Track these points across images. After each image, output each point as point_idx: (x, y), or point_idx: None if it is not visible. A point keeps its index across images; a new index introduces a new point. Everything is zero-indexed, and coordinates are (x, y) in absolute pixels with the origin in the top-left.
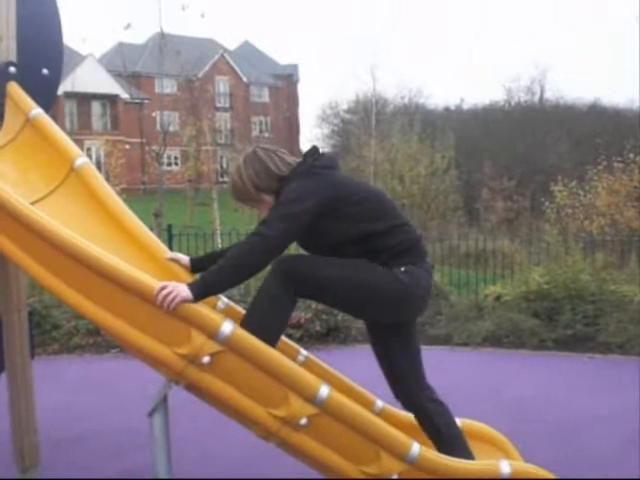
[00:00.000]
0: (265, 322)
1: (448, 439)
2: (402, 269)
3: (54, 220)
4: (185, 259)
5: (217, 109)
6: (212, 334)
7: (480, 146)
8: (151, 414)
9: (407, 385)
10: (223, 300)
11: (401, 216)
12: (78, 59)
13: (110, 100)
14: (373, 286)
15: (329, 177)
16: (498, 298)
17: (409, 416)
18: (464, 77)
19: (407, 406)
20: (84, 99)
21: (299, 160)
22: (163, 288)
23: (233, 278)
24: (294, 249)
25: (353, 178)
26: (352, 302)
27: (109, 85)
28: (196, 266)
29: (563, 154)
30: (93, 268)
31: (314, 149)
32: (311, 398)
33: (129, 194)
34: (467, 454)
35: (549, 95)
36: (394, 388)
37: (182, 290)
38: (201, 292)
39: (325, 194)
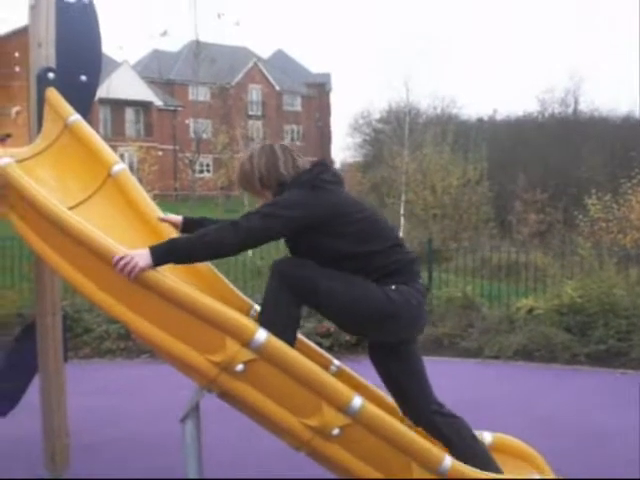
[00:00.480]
0: (274, 319)
1: (462, 450)
2: (392, 287)
3: (90, 225)
4: (177, 219)
5: (250, 117)
6: (246, 342)
7: (513, 158)
8: (183, 420)
9: (413, 403)
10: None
11: (395, 237)
12: (113, 66)
13: (144, 107)
14: (364, 301)
15: (329, 194)
16: (530, 311)
17: None
18: (497, 88)
19: (416, 422)
20: (118, 105)
21: (306, 167)
22: (121, 258)
23: (197, 255)
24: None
25: (352, 197)
26: (342, 315)
27: (143, 92)
28: (187, 227)
29: (597, 167)
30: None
31: (323, 162)
32: (344, 408)
33: (161, 200)
34: (488, 465)
35: (583, 107)
36: (401, 407)
37: (142, 258)
38: (163, 259)
39: (318, 211)
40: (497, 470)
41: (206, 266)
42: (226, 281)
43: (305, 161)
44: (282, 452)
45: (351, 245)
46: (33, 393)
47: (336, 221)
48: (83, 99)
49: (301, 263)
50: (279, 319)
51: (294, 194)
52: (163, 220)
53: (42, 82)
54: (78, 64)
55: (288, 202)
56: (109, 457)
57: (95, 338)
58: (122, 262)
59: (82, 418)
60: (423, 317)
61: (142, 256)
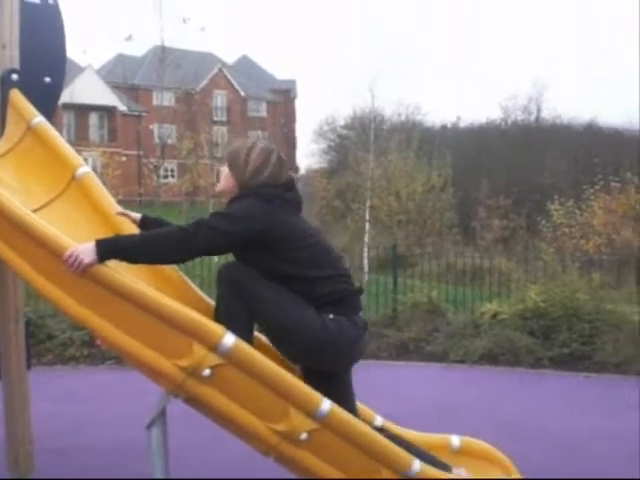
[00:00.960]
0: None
1: None
2: (330, 316)
3: (54, 228)
4: (136, 216)
5: (215, 123)
6: (213, 346)
7: (476, 164)
8: (149, 427)
9: None
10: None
11: (343, 267)
12: (77, 70)
13: (108, 112)
14: (298, 322)
15: (284, 213)
16: (495, 316)
17: (412, 433)
18: (461, 95)
19: None
20: (82, 110)
21: (274, 182)
22: (70, 255)
23: (142, 256)
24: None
25: (306, 222)
26: (275, 331)
27: (107, 97)
28: (145, 225)
29: (560, 173)
30: (90, 276)
31: (291, 181)
32: (312, 413)
33: (126, 206)
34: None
35: (546, 114)
36: None
37: (87, 254)
38: (107, 255)
39: (268, 226)
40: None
41: (172, 268)
42: (192, 284)
43: (286, 176)
44: (249, 457)
45: (299, 269)
46: None
47: (286, 243)
48: (47, 101)
49: (250, 272)
50: (237, 326)
51: (248, 205)
52: (121, 214)
53: (5, 83)
54: (42, 66)
55: (239, 214)
56: (75, 463)
57: (59, 345)
58: (71, 258)
59: (47, 424)
60: (355, 352)
61: (87, 250)
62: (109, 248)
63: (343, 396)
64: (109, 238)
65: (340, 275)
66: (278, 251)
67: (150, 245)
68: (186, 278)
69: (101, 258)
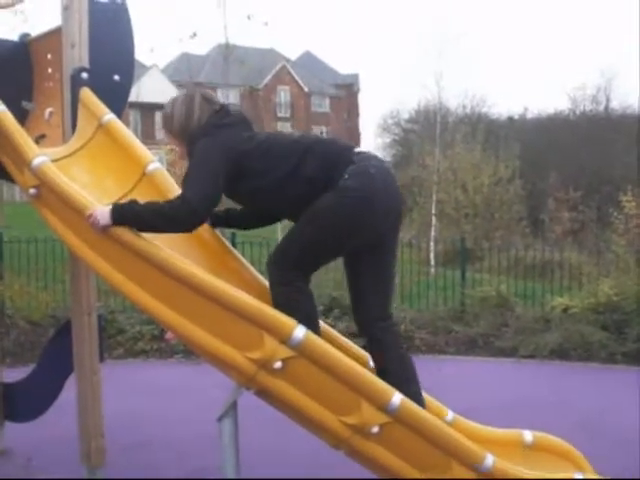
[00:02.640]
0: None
1: (395, 377)
2: (345, 176)
3: None
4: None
5: (279, 119)
6: (285, 339)
7: (544, 156)
8: (220, 419)
9: (366, 307)
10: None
11: (305, 142)
12: (143, 70)
13: None
14: (336, 210)
15: (232, 136)
16: (565, 310)
17: (484, 428)
18: (528, 86)
19: (361, 330)
20: (148, 109)
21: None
22: (90, 215)
23: (149, 227)
24: None
25: (256, 133)
26: (325, 236)
27: (173, 95)
28: (217, 220)
29: (631, 164)
30: (160, 268)
31: (221, 107)
32: (383, 406)
33: None
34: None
35: (615, 104)
36: (354, 309)
37: (103, 217)
38: (118, 221)
39: (229, 155)
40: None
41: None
42: (246, 264)
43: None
44: (319, 452)
45: (277, 172)
46: (68, 393)
47: (244, 159)
48: (117, 98)
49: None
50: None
51: (201, 148)
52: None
53: (76, 82)
54: (111, 64)
55: (202, 160)
56: (145, 458)
57: (129, 339)
58: (90, 218)
59: (117, 418)
60: (392, 186)
61: (103, 213)
62: (120, 220)
63: (383, 268)
64: (122, 207)
65: (307, 152)
66: (250, 165)
67: (158, 216)
68: (241, 258)
69: (115, 221)
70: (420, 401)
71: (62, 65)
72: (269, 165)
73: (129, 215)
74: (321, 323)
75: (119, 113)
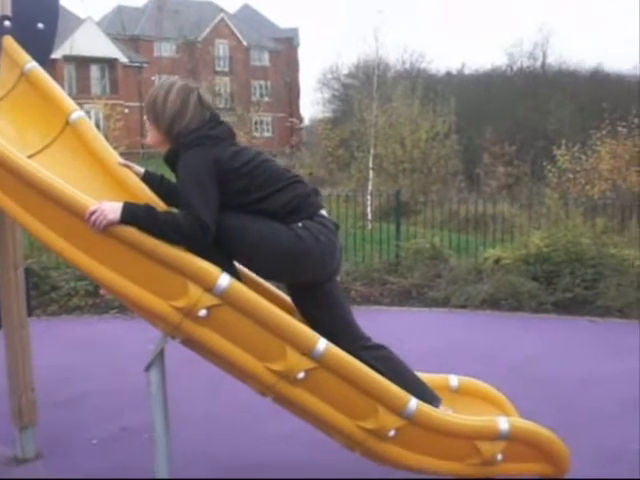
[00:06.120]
0: None
1: (394, 379)
2: (300, 225)
3: (50, 173)
4: (139, 170)
5: (217, 73)
6: (209, 287)
7: (481, 111)
8: (148, 369)
9: (339, 342)
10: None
11: (290, 177)
12: (77, 22)
13: (109, 64)
14: (273, 240)
15: (219, 151)
16: (497, 261)
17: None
18: (465, 42)
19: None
20: (83, 63)
21: (195, 126)
22: (93, 212)
23: (161, 235)
24: None
25: (243, 149)
26: (246, 252)
27: (108, 49)
28: (148, 180)
29: (565, 119)
30: (80, 215)
31: (213, 117)
32: (308, 352)
33: (128, 158)
34: (422, 392)
35: (551, 60)
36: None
37: (111, 212)
38: (129, 222)
39: (216, 169)
40: (433, 396)
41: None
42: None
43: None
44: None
45: (251, 193)
46: None
47: (232, 176)
48: (41, 47)
49: None
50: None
51: (193, 162)
52: (124, 165)
53: None
54: (35, 12)
55: (197, 176)
56: (77, 412)
57: (63, 295)
58: (93, 217)
59: (50, 374)
60: (334, 255)
61: (113, 209)
62: (131, 221)
63: (334, 306)
64: (134, 208)
65: (292, 182)
66: (228, 184)
67: (168, 230)
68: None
69: (123, 220)
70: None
71: None
72: (246, 187)
73: (140, 217)
74: (243, 269)
75: (44, 62)
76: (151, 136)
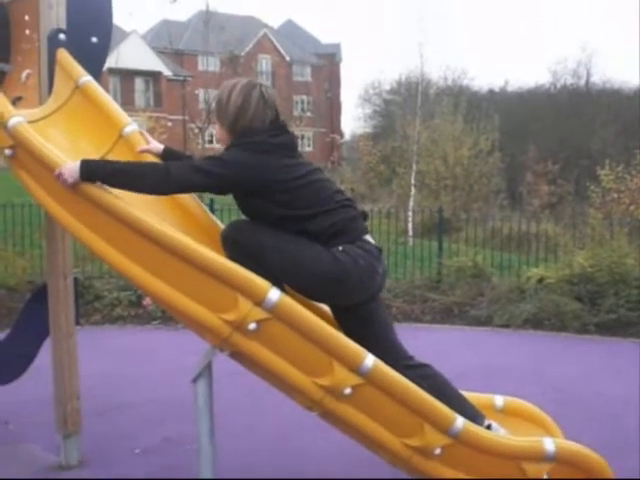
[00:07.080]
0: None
1: (437, 397)
2: (340, 248)
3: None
4: (159, 147)
5: None
6: (259, 301)
7: (524, 129)
8: (195, 380)
9: (379, 358)
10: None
11: (340, 199)
12: (122, 35)
13: (153, 77)
14: (313, 262)
15: (270, 158)
16: (541, 281)
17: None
18: (509, 59)
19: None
20: (127, 75)
21: (261, 127)
22: (58, 173)
23: (120, 183)
24: None
25: (300, 163)
26: (286, 274)
27: (152, 62)
28: (166, 156)
29: (609, 139)
30: (137, 230)
31: (279, 125)
32: (356, 368)
33: None
34: (465, 409)
35: (595, 79)
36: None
37: (71, 174)
38: (88, 177)
39: (251, 173)
40: (476, 414)
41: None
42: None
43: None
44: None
45: (296, 210)
46: (44, 357)
47: (280, 187)
48: (94, 60)
49: (246, 227)
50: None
51: (236, 154)
52: (143, 151)
53: (53, 43)
54: (89, 26)
55: (226, 159)
56: (121, 421)
57: (106, 305)
58: (59, 176)
59: (94, 383)
60: (374, 279)
61: (71, 170)
62: (91, 169)
63: (377, 325)
64: (94, 160)
65: (340, 206)
66: (273, 196)
67: (130, 175)
68: (216, 220)
69: (83, 177)
70: (465, 401)
71: (40, 26)
72: (291, 203)
73: (97, 169)
74: None
75: (96, 75)
76: (218, 133)
